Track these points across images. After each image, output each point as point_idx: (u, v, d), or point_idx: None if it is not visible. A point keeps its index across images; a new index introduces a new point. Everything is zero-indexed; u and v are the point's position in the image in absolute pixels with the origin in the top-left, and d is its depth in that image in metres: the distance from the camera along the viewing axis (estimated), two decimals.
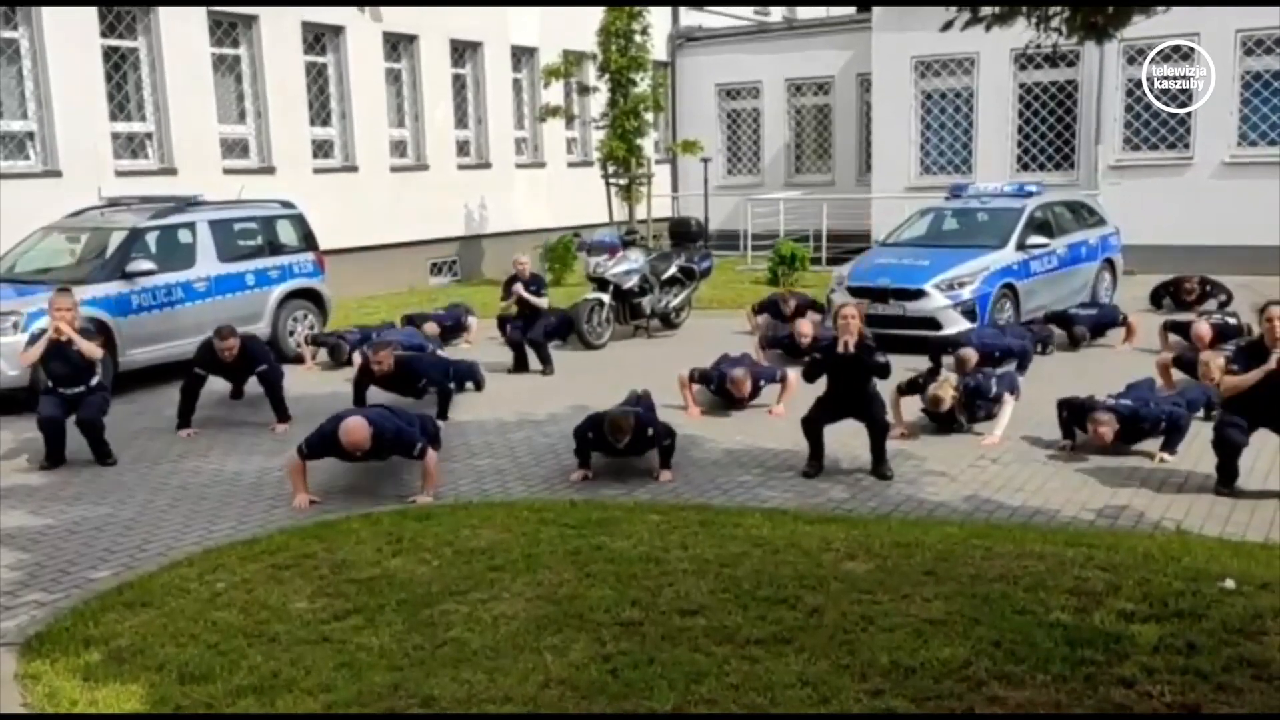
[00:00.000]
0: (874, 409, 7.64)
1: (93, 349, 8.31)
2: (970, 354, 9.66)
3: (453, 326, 13.26)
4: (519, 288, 12.30)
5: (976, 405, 8.63)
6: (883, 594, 5.22)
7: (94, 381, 8.42)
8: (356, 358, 10.20)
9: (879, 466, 7.61)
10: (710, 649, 4.68)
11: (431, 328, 12.75)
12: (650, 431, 7.64)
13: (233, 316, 11.69)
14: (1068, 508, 6.83)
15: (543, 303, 12.42)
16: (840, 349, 7.59)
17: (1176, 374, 9.50)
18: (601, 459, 7.86)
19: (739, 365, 9.63)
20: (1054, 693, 4.22)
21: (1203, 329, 10.71)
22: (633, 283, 13.16)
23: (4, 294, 10.21)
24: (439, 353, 11.13)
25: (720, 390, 9.56)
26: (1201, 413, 8.67)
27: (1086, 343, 11.91)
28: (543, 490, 7.48)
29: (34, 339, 8.55)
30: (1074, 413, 8.15)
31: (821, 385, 7.88)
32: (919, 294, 11.92)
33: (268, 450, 8.71)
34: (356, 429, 7.01)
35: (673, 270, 13.87)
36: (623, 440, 7.52)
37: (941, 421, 8.64)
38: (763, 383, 9.55)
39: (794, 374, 9.10)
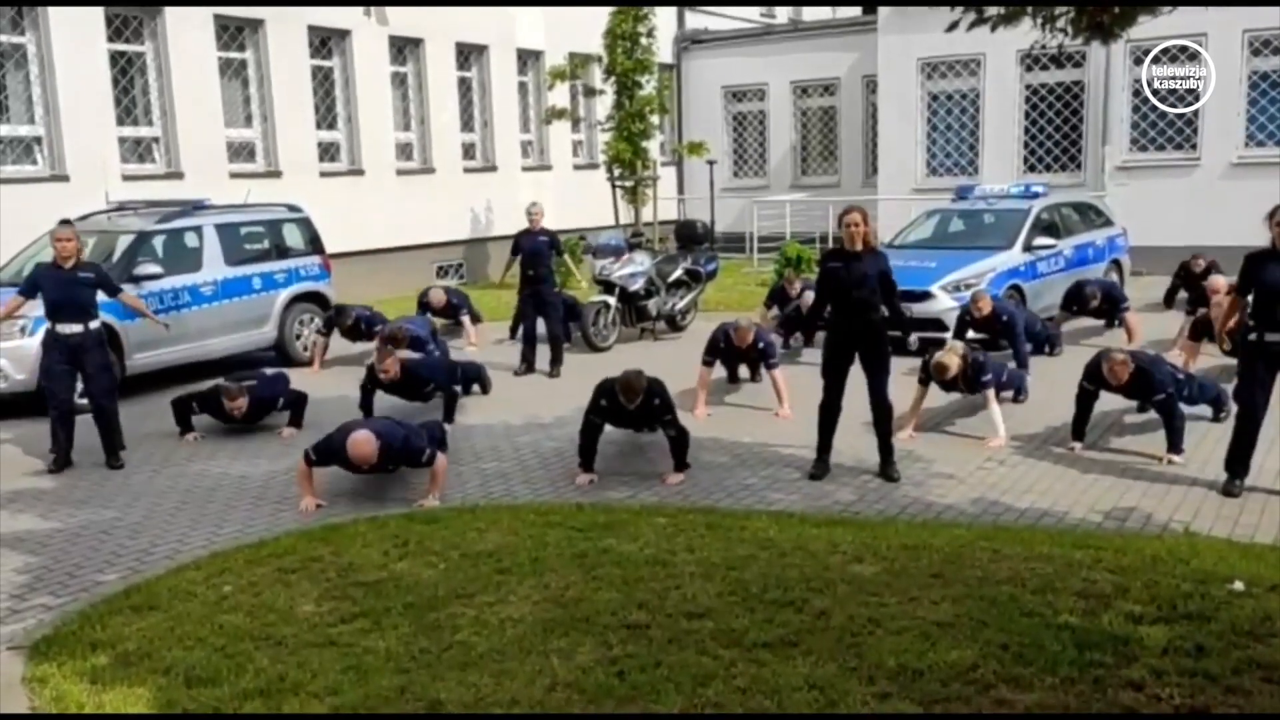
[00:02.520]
0: (880, 358, 7.47)
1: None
2: (984, 295, 9.76)
3: (457, 306, 13.45)
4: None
5: (981, 380, 8.57)
6: (890, 596, 5.21)
7: (94, 325, 8.40)
8: (370, 357, 10.19)
9: (886, 469, 7.59)
10: (717, 652, 4.67)
11: (438, 295, 13.23)
12: (658, 400, 7.63)
13: (239, 320, 11.77)
14: (1075, 509, 6.81)
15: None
16: (849, 246, 7.39)
17: (1203, 362, 9.47)
18: (605, 463, 7.86)
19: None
20: (1062, 695, 4.20)
21: (1218, 281, 10.79)
22: (638, 285, 13.16)
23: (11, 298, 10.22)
24: (438, 353, 11.14)
25: (728, 349, 9.61)
26: (1210, 412, 8.66)
27: (1096, 302, 11.90)
28: (549, 493, 7.47)
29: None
30: (1091, 369, 8.12)
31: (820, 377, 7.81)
32: (925, 296, 11.90)
33: (274, 454, 8.72)
34: (364, 443, 6.97)
35: (678, 273, 13.87)
36: (635, 400, 7.50)
37: (946, 387, 8.65)
38: (762, 344, 9.56)
39: (781, 371, 9.48)
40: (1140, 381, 7.95)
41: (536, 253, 11.81)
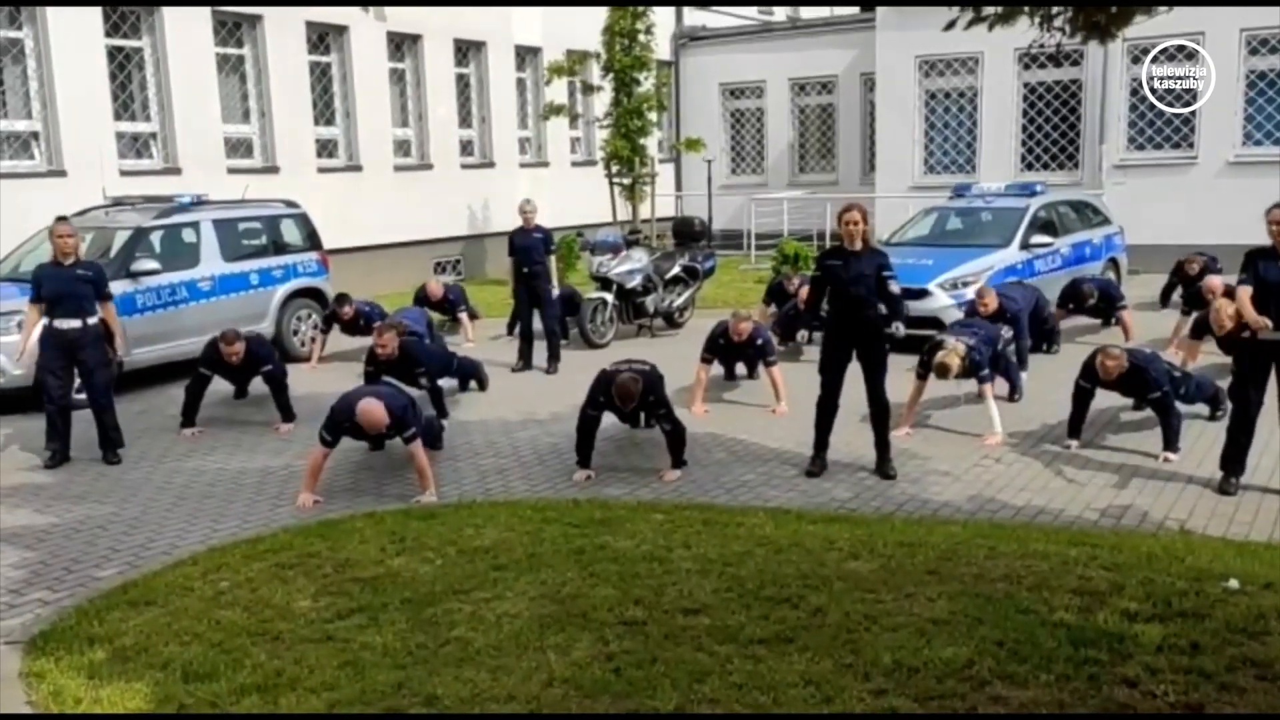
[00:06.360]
0: (878, 356, 7.47)
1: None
2: (989, 291, 9.87)
3: (454, 301, 13.45)
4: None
5: (979, 375, 8.57)
6: (886, 593, 5.22)
7: (91, 321, 8.40)
8: (371, 339, 10.15)
9: (882, 465, 7.60)
10: (713, 648, 4.68)
11: (435, 288, 13.28)
12: (652, 398, 7.65)
13: (237, 316, 11.74)
14: (1071, 507, 6.83)
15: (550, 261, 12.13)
16: (848, 244, 7.41)
17: (1202, 360, 9.48)
18: (603, 459, 7.86)
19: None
20: (1057, 692, 4.21)
21: (1214, 281, 10.81)
22: (636, 282, 13.16)
23: (8, 293, 10.23)
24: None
25: (727, 345, 9.60)
26: (1208, 410, 8.67)
27: (1093, 301, 11.91)
28: (546, 489, 7.48)
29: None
30: (1087, 367, 8.13)
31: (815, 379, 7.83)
32: (923, 293, 11.90)
33: (271, 450, 8.72)
34: (373, 410, 7.06)
35: (676, 270, 13.88)
36: (630, 405, 7.58)
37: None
38: (760, 340, 9.57)
39: (779, 369, 9.49)
40: (1134, 379, 7.97)
41: (531, 249, 11.72)
